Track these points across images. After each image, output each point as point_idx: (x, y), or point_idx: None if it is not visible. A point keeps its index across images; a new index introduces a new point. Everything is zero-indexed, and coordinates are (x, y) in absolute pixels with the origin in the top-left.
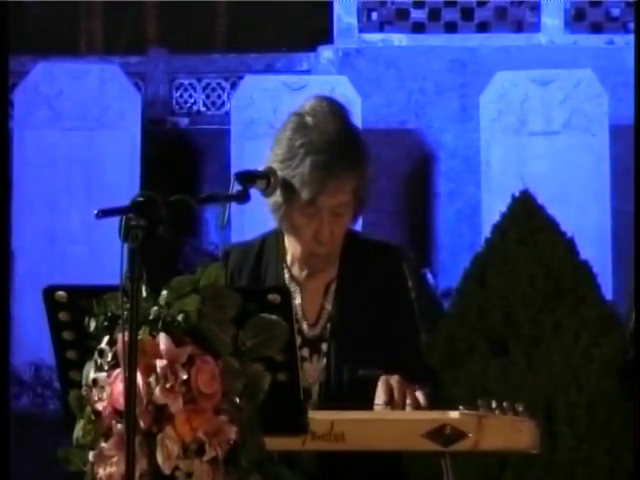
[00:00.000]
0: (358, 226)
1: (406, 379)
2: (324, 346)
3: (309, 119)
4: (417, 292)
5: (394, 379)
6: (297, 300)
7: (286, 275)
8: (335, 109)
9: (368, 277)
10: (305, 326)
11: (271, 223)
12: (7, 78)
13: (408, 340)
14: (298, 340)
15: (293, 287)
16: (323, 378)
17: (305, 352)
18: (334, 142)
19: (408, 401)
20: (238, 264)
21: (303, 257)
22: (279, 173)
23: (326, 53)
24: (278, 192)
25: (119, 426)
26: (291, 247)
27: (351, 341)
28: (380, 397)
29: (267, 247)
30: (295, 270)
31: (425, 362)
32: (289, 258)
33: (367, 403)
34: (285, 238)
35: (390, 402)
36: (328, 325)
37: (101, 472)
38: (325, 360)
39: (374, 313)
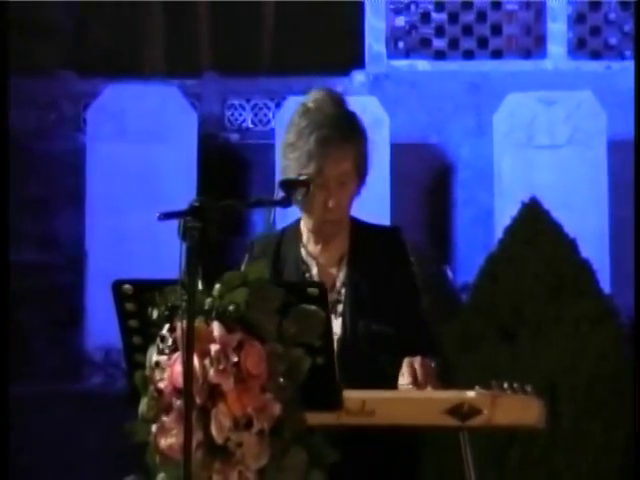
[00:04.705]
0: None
1: (411, 340)
2: (340, 307)
3: (311, 104)
4: (417, 267)
5: (417, 362)
6: (314, 271)
7: (303, 252)
8: (333, 95)
9: (375, 251)
10: None
11: None
12: (7, 78)
13: (412, 304)
14: None
15: (310, 261)
16: (341, 334)
17: None
18: (333, 119)
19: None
20: (262, 250)
21: (316, 226)
22: (290, 155)
23: (358, 77)
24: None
25: (178, 402)
26: (305, 223)
27: (363, 303)
28: (405, 378)
29: (286, 233)
30: (310, 246)
31: (426, 324)
32: (305, 237)
33: (379, 361)
34: (301, 222)
35: (415, 383)
36: (342, 290)
37: (162, 443)
38: (342, 319)
39: (381, 280)
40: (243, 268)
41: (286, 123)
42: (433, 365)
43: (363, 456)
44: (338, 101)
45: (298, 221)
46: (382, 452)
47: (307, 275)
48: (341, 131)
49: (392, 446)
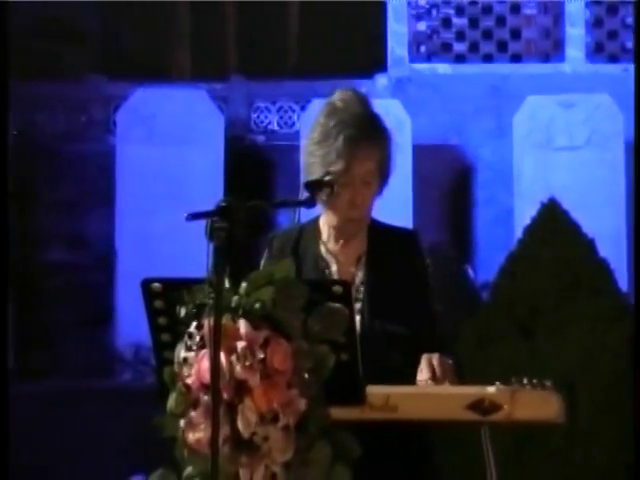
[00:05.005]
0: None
1: (423, 340)
2: (358, 305)
3: (339, 103)
4: (433, 269)
5: (435, 358)
6: (333, 268)
7: (322, 249)
8: (359, 96)
9: (392, 252)
10: None
11: None
12: (8, 79)
13: (426, 306)
14: None
15: (329, 258)
16: (359, 331)
17: None
18: (360, 119)
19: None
20: (280, 246)
21: (339, 224)
22: (317, 153)
23: (381, 80)
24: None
25: (205, 398)
26: (327, 221)
27: (380, 301)
28: (424, 374)
29: (305, 229)
30: (330, 244)
31: (436, 324)
32: (325, 235)
33: (392, 360)
34: (320, 220)
35: (433, 378)
36: (361, 288)
37: (190, 437)
38: (360, 316)
39: (397, 281)
40: (262, 263)
41: (311, 123)
42: (450, 362)
43: (381, 451)
44: (364, 101)
45: (317, 219)
46: (398, 447)
47: (327, 272)
48: (367, 131)
49: (408, 441)
